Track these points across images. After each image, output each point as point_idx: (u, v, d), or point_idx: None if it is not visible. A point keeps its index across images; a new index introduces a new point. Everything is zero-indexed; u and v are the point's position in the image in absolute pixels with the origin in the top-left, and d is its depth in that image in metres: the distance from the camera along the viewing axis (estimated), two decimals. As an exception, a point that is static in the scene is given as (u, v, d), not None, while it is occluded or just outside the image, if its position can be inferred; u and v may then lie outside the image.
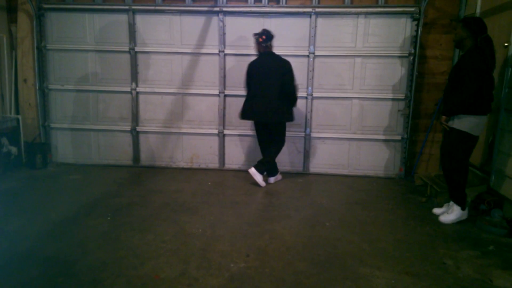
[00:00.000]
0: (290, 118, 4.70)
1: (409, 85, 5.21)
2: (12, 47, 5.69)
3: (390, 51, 5.19)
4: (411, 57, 5.14)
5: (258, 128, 4.88)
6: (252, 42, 5.35)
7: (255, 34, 4.68)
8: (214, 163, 5.70)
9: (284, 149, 5.50)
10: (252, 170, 4.76)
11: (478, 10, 4.62)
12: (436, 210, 4.04)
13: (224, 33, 5.37)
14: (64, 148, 5.81)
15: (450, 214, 3.80)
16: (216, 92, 5.51)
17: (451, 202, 3.84)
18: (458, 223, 3.79)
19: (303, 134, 5.48)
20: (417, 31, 5.07)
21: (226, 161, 5.68)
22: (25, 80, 5.65)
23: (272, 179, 5.01)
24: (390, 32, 5.17)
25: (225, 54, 5.41)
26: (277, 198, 4.49)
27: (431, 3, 5.08)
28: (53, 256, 3.01)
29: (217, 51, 5.41)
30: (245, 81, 4.79)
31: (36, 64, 5.57)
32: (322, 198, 4.52)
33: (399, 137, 5.36)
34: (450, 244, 3.35)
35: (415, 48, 5.10)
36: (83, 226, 3.58)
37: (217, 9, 5.29)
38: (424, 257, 3.11)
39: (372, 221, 3.86)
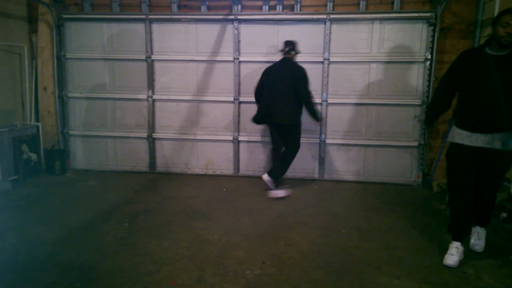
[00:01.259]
0: (298, 121, 4.64)
1: (426, 90, 5.15)
2: (33, 56, 5.85)
3: (406, 57, 5.15)
4: (428, 63, 5.08)
5: (273, 132, 4.79)
6: (266, 49, 5.41)
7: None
8: (228, 170, 5.72)
9: (299, 155, 5.48)
10: (273, 192, 4.69)
11: (496, 15, 4.55)
12: (476, 246, 3.35)
13: (239, 41, 5.41)
14: (82, 155, 5.91)
15: (482, 239, 3.33)
16: (231, 99, 5.54)
17: (480, 229, 3.34)
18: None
19: (318, 140, 5.46)
20: (433, 36, 5.01)
21: (241, 167, 5.69)
22: (45, 88, 5.79)
23: (271, 183, 4.68)
24: (406, 38, 5.13)
25: (239, 62, 5.45)
26: (292, 205, 4.47)
27: (447, 8, 5.03)
28: (71, 261, 3.06)
29: (232, 59, 5.45)
30: (258, 82, 4.77)
31: (55, 73, 5.71)
32: (337, 205, 4.49)
33: (416, 143, 5.29)
34: (470, 253, 3.27)
35: (431, 53, 5.05)
36: (101, 232, 3.63)
37: (232, 17, 5.35)
38: (443, 266, 3.05)
39: (389, 228, 3.81)
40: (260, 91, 4.74)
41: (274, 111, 4.56)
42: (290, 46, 4.65)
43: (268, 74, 4.68)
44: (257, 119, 4.77)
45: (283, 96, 4.54)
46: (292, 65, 4.63)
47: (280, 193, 4.69)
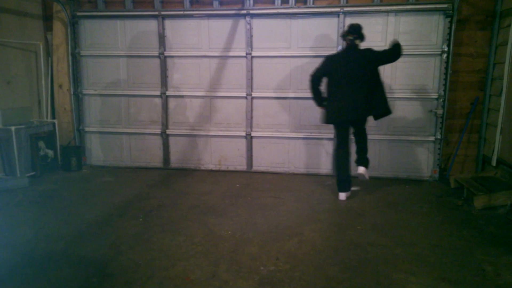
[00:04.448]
0: (388, 110, 4.33)
1: (442, 84, 5.04)
2: (48, 54, 5.93)
3: (422, 50, 5.04)
4: (445, 55, 4.96)
5: (343, 129, 4.45)
6: (278, 43, 5.36)
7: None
8: (241, 165, 5.71)
9: (311, 151, 5.47)
10: (362, 169, 4.50)
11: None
12: None
13: (251, 36, 5.38)
14: (98, 151, 5.98)
15: None
16: (244, 94, 5.52)
17: None
18: (497, 227, 3.62)
19: (331, 135, 5.40)
20: (450, 28, 4.89)
21: (254, 163, 5.68)
22: (60, 86, 5.87)
23: (363, 169, 4.53)
24: (422, 30, 5.02)
25: (252, 57, 5.42)
26: (306, 200, 4.44)
27: (465, -2, 4.90)
28: (87, 256, 3.10)
29: (244, 54, 5.42)
30: (316, 72, 4.34)
31: (70, 70, 5.78)
32: (352, 200, 4.44)
33: (432, 138, 5.18)
34: (489, 250, 3.20)
35: (448, 46, 4.93)
36: (116, 227, 3.67)
37: (244, 11, 5.31)
38: (461, 263, 2.99)
39: (405, 224, 3.75)
40: (319, 82, 4.35)
41: (351, 108, 4.23)
42: (355, 35, 4.23)
43: (334, 68, 4.28)
44: (330, 120, 4.41)
45: (360, 89, 4.20)
46: (360, 52, 4.26)
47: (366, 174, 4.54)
